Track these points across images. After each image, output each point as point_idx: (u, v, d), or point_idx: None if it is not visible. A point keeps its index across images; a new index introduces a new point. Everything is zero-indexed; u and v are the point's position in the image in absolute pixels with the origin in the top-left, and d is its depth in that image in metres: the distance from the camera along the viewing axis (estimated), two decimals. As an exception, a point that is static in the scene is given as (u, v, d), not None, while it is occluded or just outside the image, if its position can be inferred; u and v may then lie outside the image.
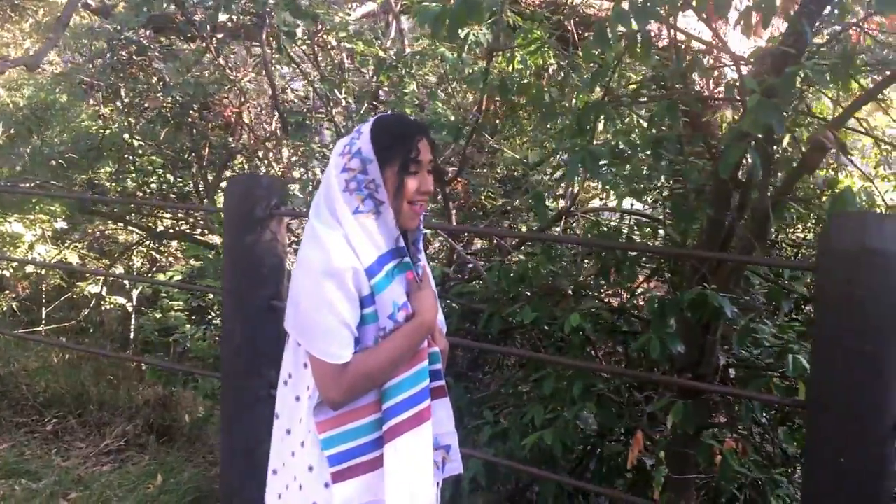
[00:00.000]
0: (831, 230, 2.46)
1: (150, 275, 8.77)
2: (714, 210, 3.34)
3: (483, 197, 4.75)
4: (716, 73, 3.64)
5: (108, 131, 5.62)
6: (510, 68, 4.16)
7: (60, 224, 9.62)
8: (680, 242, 3.53)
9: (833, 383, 2.43)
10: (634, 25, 2.80)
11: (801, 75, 2.69)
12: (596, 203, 5.12)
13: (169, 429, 5.24)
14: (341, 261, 1.86)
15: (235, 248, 3.88)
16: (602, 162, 2.90)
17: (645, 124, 3.29)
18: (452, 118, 4.23)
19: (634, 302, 3.96)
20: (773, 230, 3.41)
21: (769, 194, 3.22)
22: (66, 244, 9.58)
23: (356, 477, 1.94)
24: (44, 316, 9.83)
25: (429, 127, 2.06)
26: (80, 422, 5.18)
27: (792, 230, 4.01)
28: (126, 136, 5.41)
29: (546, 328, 3.92)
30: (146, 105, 5.05)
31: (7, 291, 10.37)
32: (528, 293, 3.86)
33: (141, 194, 5.85)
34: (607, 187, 3.68)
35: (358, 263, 1.88)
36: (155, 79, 5.11)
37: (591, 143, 3.10)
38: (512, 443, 3.35)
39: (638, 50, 3.04)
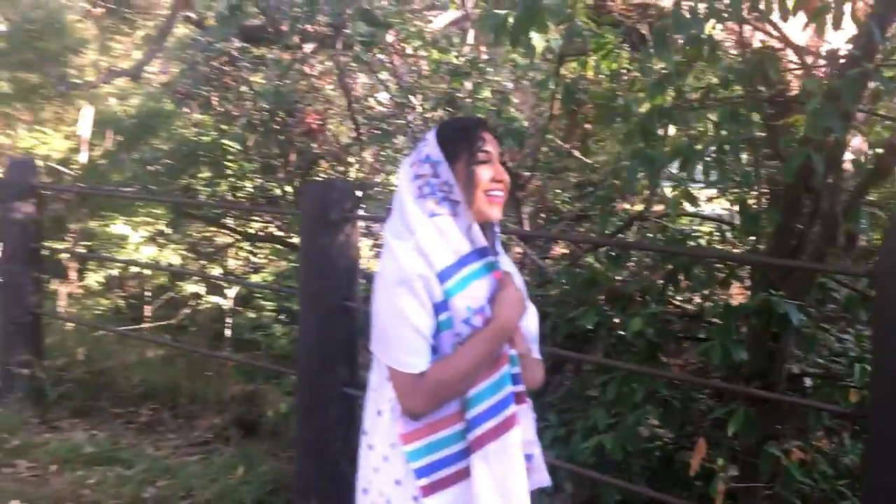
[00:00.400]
0: (889, 235, 2.41)
1: (245, 276, 9.11)
2: (784, 216, 3.28)
3: (560, 202, 4.77)
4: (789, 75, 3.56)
5: (202, 139, 5.90)
6: (585, 73, 4.18)
7: (164, 227, 10.09)
8: (752, 247, 3.48)
9: (890, 392, 2.38)
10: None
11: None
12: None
13: (255, 423, 5.45)
14: (410, 268, 1.82)
15: (311, 250, 4.04)
16: (665, 166, 2.90)
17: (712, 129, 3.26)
18: (526, 123, 4.28)
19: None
20: (849, 235, 3.31)
21: (842, 199, 3.16)
22: (169, 246, 10.05)
23: (445, 489, 1.89)
24: (147, 313, 10.34)
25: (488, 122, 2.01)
26: (172, 414, 5.45)
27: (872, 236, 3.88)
28: (220, 142, 5.68)
29: (622, 333, 3.92)
30: (235, 113, 5.30)
31: (119, 290, 10.96)
32: (600, 298, 3.88)
33: (232, 198, 6.12)
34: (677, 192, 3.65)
35: (428, 270, 1.83)
36: (244, 88, 5.35)
37: (658, 147, 3.10)
38: (574, 447, 3.37)
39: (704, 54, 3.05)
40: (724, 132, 3.06)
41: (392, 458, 1.91)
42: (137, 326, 9.77)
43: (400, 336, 1.84)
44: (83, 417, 5.25)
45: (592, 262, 3.95)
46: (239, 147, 5.91)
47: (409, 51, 4.53)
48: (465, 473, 1.88)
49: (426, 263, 1.83)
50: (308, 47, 5.33)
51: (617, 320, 3.48)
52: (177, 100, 5.75)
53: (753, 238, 3.34)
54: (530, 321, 2.06)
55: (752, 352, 3.35)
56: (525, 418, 1.95)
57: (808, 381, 3.64)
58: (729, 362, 3.05)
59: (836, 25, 2.90)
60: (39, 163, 11.00)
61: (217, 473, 4.36)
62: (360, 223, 4.79)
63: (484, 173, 1.90)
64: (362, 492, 2.01)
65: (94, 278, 10.98)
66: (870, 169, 3.08)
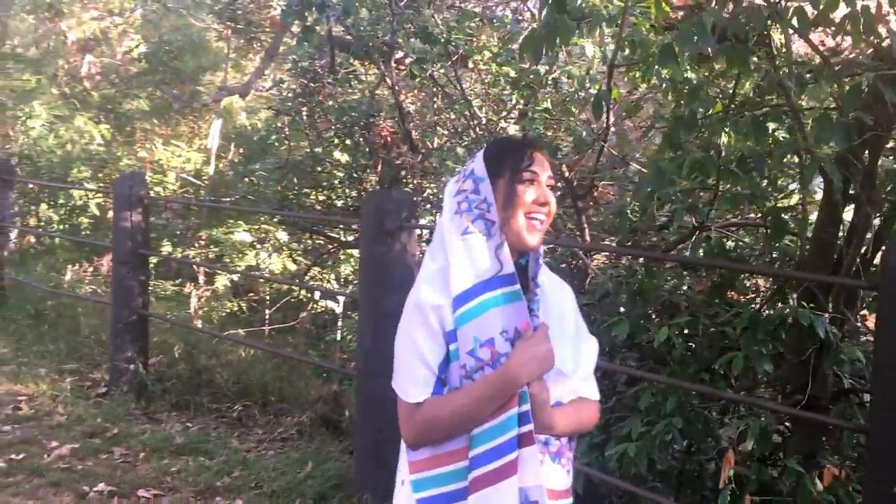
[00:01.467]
0: (891, 247, 2.36)
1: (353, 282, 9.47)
2: (820, 228, 3.22)
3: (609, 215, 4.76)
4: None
5: (294, 151, 6.26)
6: (639, 82, 4.20)
7: (282, 234, 10.64)
8: (792, 259, 3.42)
9: (890, 407, 2.32)
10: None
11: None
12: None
13: (337, 422, 5.72)
14: (426, 295, 1.77)
15: (368, 258, 4.25)
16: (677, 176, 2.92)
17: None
18: (584, 134, 4.34)
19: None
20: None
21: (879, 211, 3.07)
22: (286, 252, 10.58)
23: None
24: (267, 316, 10.92)
25: (543, 143, 1.98)
26: (262, 411, 5.79)
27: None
28: (311, 154, 6.01)
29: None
30: (320, 127, 5.59)
31: (250, 294, 11.63)
32: (653, 309, 3.90)
33: (320, 208, 6.45)
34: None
35: (443, 300, 1.76)
36: (330, 102, 5.64)
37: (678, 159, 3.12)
38: (607, 455, 3.40)
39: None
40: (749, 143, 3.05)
41: (406, 484, 1.85)
42: (257, 329, 10.37)
43: (405, 363, 1.80)
44: (181, 411, 5.66)
45: (640, 273, 3.96)
46: (329, 158, 6.22)
47: (470, 64, 4.68)
48: None
49: (444, 290, 1.77)
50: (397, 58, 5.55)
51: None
52: (273, 115, 6.10)
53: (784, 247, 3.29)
54: (584, 357, 1.93)
55: (794, 366, 3.30)
56: (533, 460, 1.76)
57: (867, 397, 3.53)
58: (750, 374, 3.02)
59: (856, 41, 2.84)
60: (171, 175, 11.88)
61: (288, 467, 4.63)
62: (424, 231, 4.98)
63: (528, 194, 1.80)
64: None
65: (221, 282, 11.71)
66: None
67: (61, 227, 10.43)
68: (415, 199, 5.09)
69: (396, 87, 4.68)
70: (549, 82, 4.29)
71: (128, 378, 5.68)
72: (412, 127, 5.41)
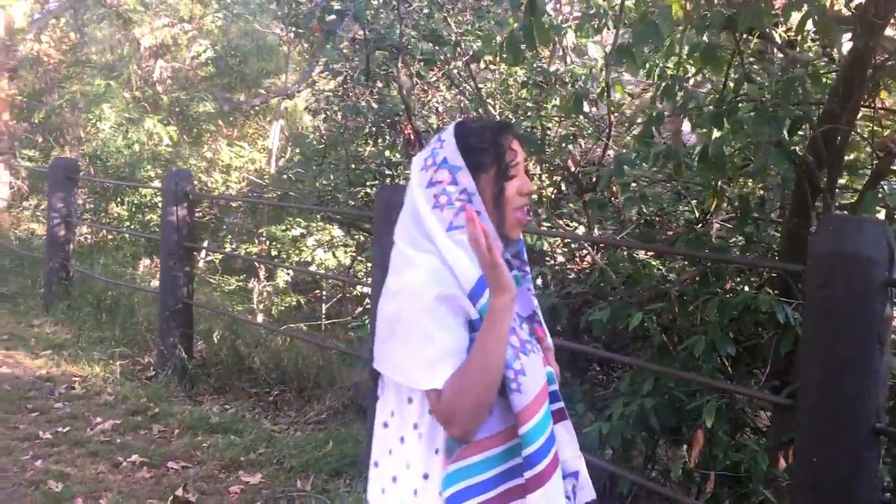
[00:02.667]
0: (818, 234, 2.49)
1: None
2: (789, 219, 3.33)
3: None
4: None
5: (330, 150, 6.57)
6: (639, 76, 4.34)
7: (336, 231, 11.03)
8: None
9: (809, 385, 2.46)
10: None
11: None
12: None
13: (365, 406, 5.99)
14: (445, 285, 1.68)
15: (378, 248, 4.50)
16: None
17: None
18: (591, 130, 4.51)
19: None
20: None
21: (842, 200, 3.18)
22: (339, 248, 10.97)
23: None
24: (323, 311, 11.32)
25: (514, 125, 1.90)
26: (297, 396, 6.11)
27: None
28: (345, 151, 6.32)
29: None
30: (350, 126, 5.88)
31: (318, 290, 12.08)
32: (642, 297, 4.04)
33: (353, 203, 6.74)
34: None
35: (457, 289, 1.69)
36: (363, 102, 5.93)
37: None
38: (586, 434, 3.58)
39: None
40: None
41: (424, 492, 1.74)
42: (314, 323, 10.78)
43: (436, 355, 1.66)
44: (222, 394, 6.03)
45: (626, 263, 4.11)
46: (362, 155, 6.51)
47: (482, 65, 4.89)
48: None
49: (455, 281, 1.70)
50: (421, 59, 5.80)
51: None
52: (312, 114, 6.43)
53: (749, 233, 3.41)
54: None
55: (775, 353, 3.42)
56: (567, 433, 1.83)
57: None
58: (712, 357, 3.16)
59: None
60: (234, 173, 12.41)
61: (309, 446, 4.92)
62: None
63: (513, 188, 1.77)
64: None
65: (282, 278, 12.19)
66: (871, 173, 3.08)
67: (129, 224, 11.03)
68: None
69: (405, 89, 4.92)
70: (556, 81, 4.47)
71: (173, 362, 6.07)
72: (442, 125, 5.65)
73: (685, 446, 3.56)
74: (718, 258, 3.51)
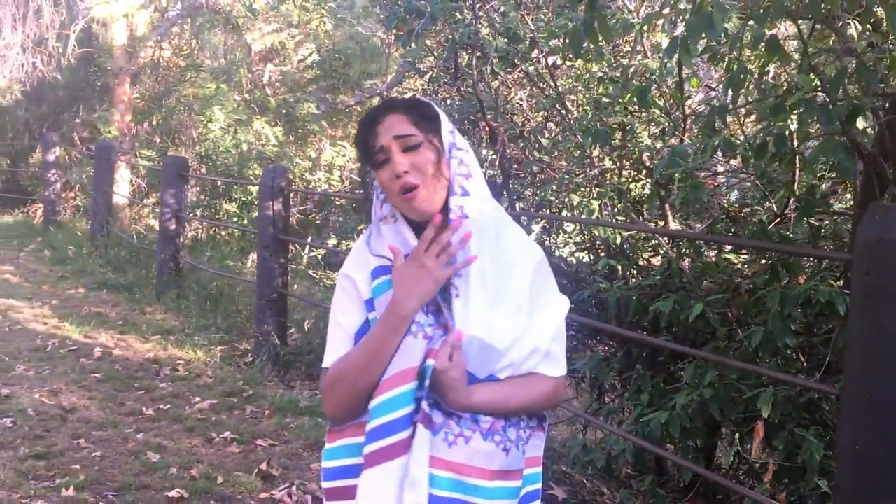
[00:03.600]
0: (863, 222, 2.49)
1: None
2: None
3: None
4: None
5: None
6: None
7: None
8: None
9: (852, 372, 2.47)
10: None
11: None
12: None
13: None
14: (347, 265, 1.80)
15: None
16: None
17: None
18: (666, 124, 4.54)
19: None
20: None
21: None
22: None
23: (348, 501, 1.69)
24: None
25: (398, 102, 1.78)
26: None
27: None
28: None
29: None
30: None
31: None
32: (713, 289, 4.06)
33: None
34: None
35: (360, 270, 1.76)
36: (447, 100, 6.10)
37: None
38: (641, 424, 3.64)
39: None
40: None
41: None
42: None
43: (331, 331, 1.78)
44: (312, 381, 6.31)
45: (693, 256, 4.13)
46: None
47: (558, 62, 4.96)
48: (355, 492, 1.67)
49: (362, 262, 1.77)
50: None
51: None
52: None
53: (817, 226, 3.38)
54: (536, 329, 1.75)
55: (835, 344, 3.39)
56: (419, 447, 1.62)
57: None
58: (773, 347, 3.17)
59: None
60: (336, 172, 12.83)
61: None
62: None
63: (383, 175, 1.72)
64: None
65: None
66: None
67: (237, 220, 11.58)
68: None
69: (478, 86, 5.04)
70: (631, 76, 4.52)
71: (267, 349, 6.40)
72: (525, 121, 5.76)
73: (737, 437, 3.58)
74: (762, 246, 3.48)
